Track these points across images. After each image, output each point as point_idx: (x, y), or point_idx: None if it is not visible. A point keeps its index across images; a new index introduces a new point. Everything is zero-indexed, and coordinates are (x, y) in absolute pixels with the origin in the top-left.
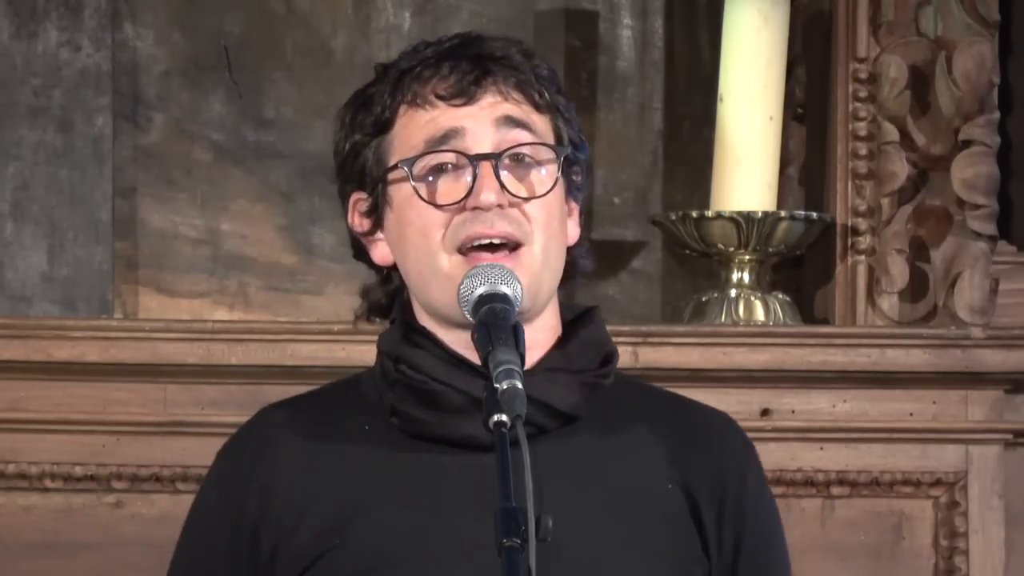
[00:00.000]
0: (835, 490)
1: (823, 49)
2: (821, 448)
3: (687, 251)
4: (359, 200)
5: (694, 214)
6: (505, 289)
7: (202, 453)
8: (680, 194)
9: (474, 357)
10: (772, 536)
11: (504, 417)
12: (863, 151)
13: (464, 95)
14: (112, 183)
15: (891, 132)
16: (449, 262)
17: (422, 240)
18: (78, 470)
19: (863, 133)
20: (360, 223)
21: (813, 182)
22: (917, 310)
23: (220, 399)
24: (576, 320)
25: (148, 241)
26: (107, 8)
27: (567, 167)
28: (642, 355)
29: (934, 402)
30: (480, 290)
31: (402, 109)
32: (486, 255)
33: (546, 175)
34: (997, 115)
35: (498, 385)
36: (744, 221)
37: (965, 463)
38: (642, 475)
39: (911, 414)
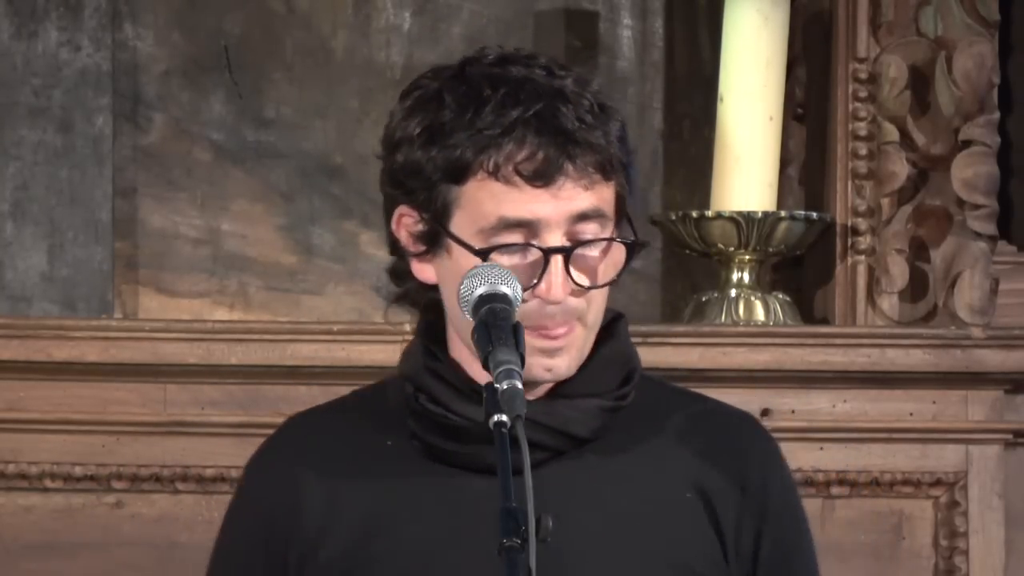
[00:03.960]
0: (835, 490)
1: (823, 49)
2: (821, 448)
3: (687, 251)
4: (407, 216)
5: (694, 214)
6: (505, 289)
7: (202, 453)
8: (680, 194)
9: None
10: (798, 538)
11: (504, 417)
12: (863, 151)
13: (544, 178)
14: (112, 183)
15: (891, 132)
16: None
17: None
18: (78, 470)
19: (863, 133)
20: (407, 240)
21: (813, 182)
22: (917, 310)
23: (220, 399)
24: (602, 331)
25: (148, 241)
26: (107, 8)
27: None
28: (642, 355)
29: (934, 402)
30: (480, 290)
31: (479, 172)
32: (543, 337)
33: (611, 265)
34: (997, 115)
35: (498, 385)
36: (744, 221)
37: (965, 463)
38: (659, 487)
39: (911, 414)
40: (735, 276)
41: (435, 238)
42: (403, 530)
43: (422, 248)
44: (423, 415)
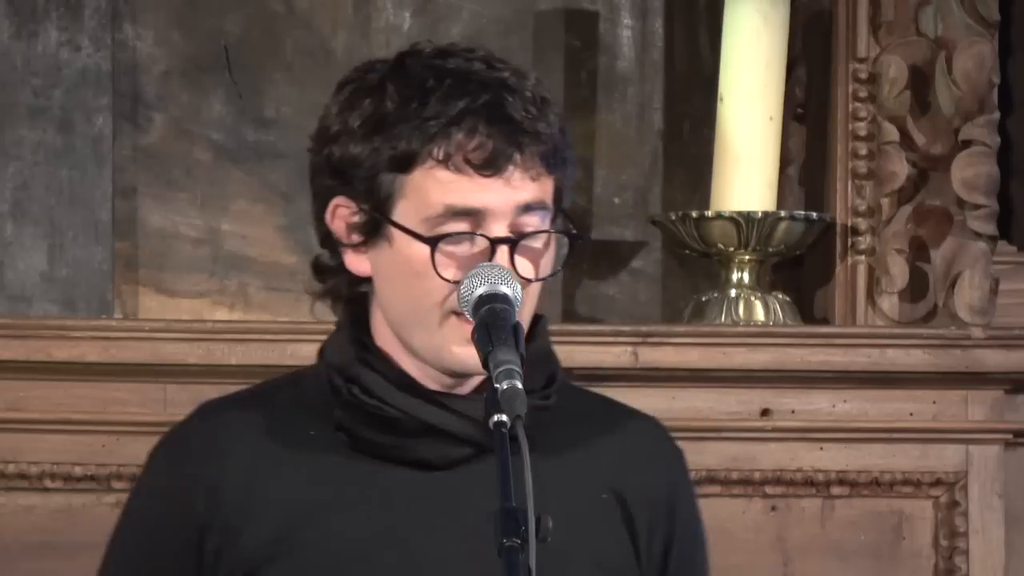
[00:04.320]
0: (835, 490)
1: (823, 49)
2: (821, 448)
3: (687, 251)
4: (344, 207)
5: (694, 214)
6: (505, 289)
7: None
8: (680, 194)
9: (429, 382)
10: (698, 543)
11: (504, 417)
12: (863, 151)
13: (494, 167)
14: (112, 183)
15: (891, 132)
16: (443, 325)
17: (423, 295)
18: (78, 470)
19: (863, 133)
20: (343, 231)
21: (813, 182)
22: (917, 310)
23: None
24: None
25: (148, 241)
26: (107, 8)
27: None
28: (642, 355)
29: (934, 402)
30: (480, 290)
31: (428, 161)
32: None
33: (552, 259)
34: (997, 115)
35: (498, 385)
36: (744, 221)
37: (965, 463)
38: (578, 487)
39: (911, 414)
40: (735, 276)
41: (376, 228)
42: (331, 520)
43: (359, 239)
44: (354, 406)
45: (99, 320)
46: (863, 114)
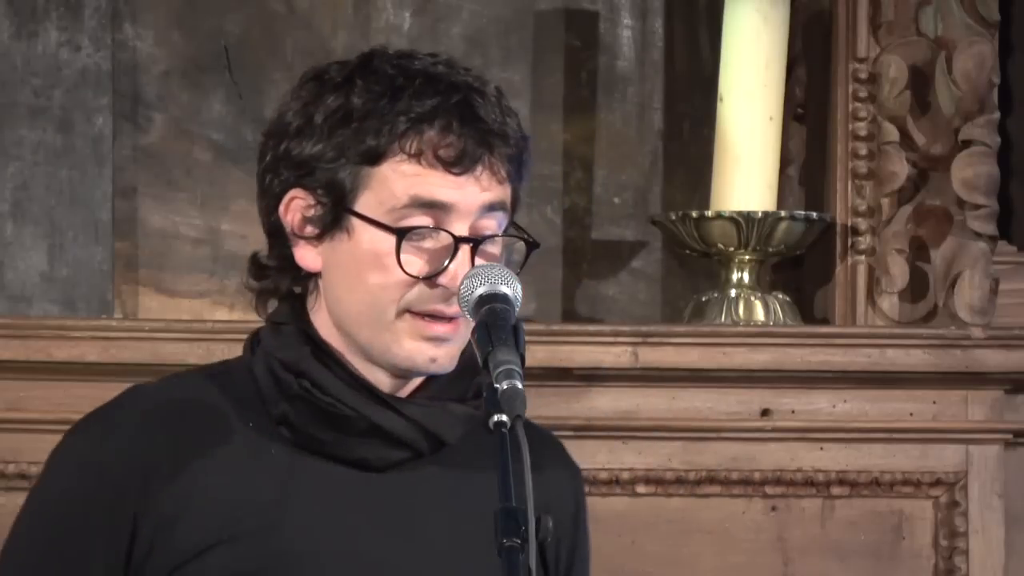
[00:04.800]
0: (835, 490)
1: (823, 49)
2: (821, 448)
3: (687, 251)
4: (300, 200)
5: (694, 214)
6: (505, 289)
7: None
8: (680, 194)
9: (376, 381)
10: (588, 542)
11: (504, 417)
12: (863, 151)
13: (461, 165)
14: (112, 183)
15: (891, 132)
16: (396, 321)
17: (379, 289)
18: None
19: (863, 133)
20: (297, 224)
21: (813, 182)
22: (917, 310)
23: None
24: None
25: (148, 241)
26: (107, 8)
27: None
28: (642, 355)
29: (934, 402)
30: (480, 290)
31: (398, 154)
32: (430, 323)
33: (510, 266)
34: (997, 115)
35: (498, 385)
36: (744, 221)
37: (965, 463)
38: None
39: (911, 414)
40: (735, 276)
41: (335, 220)
42: (270, 514)
43: (314, 231)
44: (302, 401)
45: (99, 320)
46: (863, 114)
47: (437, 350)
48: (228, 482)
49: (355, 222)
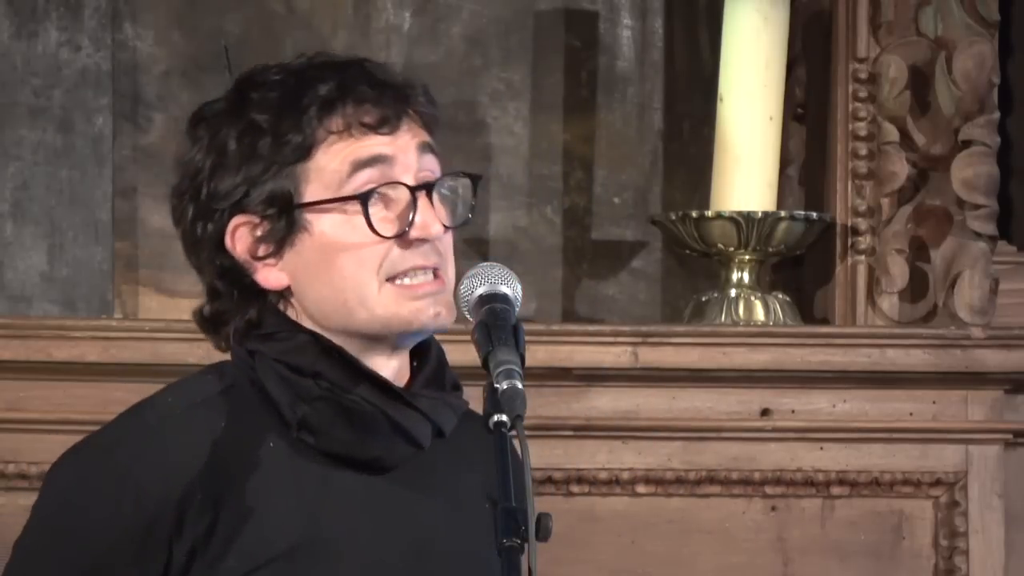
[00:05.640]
0: (835, 490)
1: (823, 49)
2: (821, 448)
3: (687, 251)
4: (245, 225)
5: (694, 214)
6: (505, 289)
7: None
8: (680, 194)
9: (390, 377)
10: None
11: (504, 417)
12: (863, 151)
13: (389, 125)
14: (112, 183)
15: (891, 132)
16: (380, 292)
17: (355, 268)
18: None
19: (863, 133)
20: (249, 249)
21: (813, 182)
22: (917, 310)
23: None
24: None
25: (148, 241)
26: (107, 8)
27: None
28: (642, 355)
29: (934, 402)
30: (480, 290)
31: (327, 138)
32: (417, 284)
33: (464, 206)
34: (997, 115)
35: (498, 385)
36: (744, 221)
37: (965, 463)
38: (473, 493)
39: (911, 414)
40: (735, 276)
41: (290, 226)
42: (308, 531)
43: (270, 248)
44: (327, 401)
45: (99, 320)
46: (863, 114)
47: (437, 305)
48: (261, 504)
49: (310, 217)
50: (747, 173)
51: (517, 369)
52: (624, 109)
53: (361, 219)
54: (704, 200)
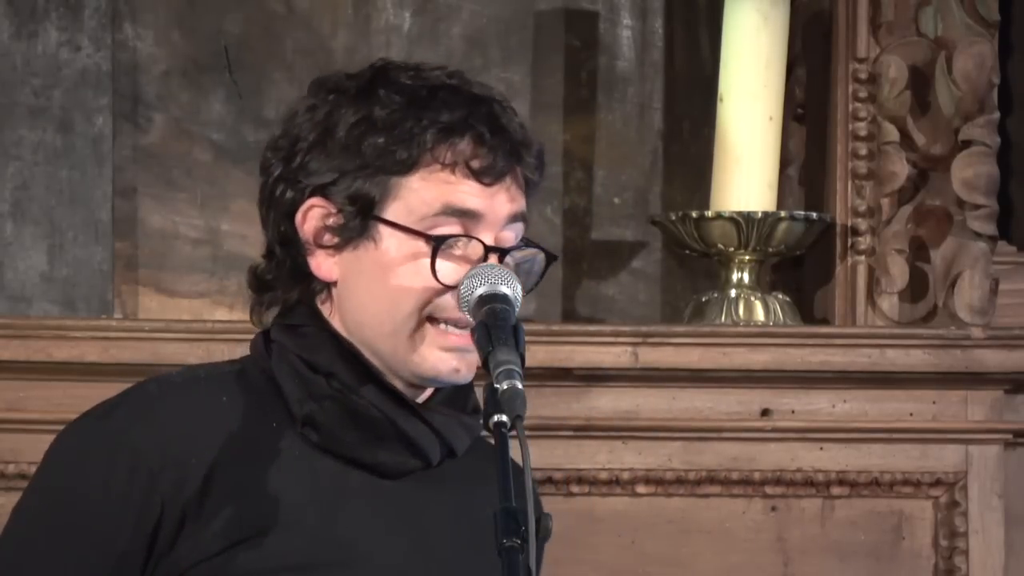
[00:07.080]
0: (835, 490)
1: (823, 49)
2: (821, 448)
3: (687, 251)
4: (319, 208)
5: (694, 214)
6: (505, 289)
7: None
8: (680, 194)
9: (396, 387)
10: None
11: (504, 417)
12: (863, 151)
13: (492, 176)
14: (112, 183)
15: (891, 132)
16: (417, 329)
17: (403, 298)
18: None
19: (863, 133)
20: (315, 232)
21: (813, 182)
22: (917, 310)
23: None
24: None
25: (148, 241)
26: (107, 8)
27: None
28: (642, 355)
29: (934, 402)
30: (480, 290)
31: (432, 164)
32: (452, 334)
33: (530, 280)
34: (997, 115)
35: (498, 385)
36: (744, 221)
37: (965, 463)
38: (482, 511)
39: (911, 414)
40: (735, 276)
41: (361, 228)
42: (296, 514)
43: (334, 240)
44: (335, 401)
45: (99, 320)
46: (863, 114)
47: (460, 361)
48: (254, 480)
49: (383, 230)
50: (747, 173)
51: (517, 369)
52: (624, 109)
53: (427, 259)
54: (704, 200)
